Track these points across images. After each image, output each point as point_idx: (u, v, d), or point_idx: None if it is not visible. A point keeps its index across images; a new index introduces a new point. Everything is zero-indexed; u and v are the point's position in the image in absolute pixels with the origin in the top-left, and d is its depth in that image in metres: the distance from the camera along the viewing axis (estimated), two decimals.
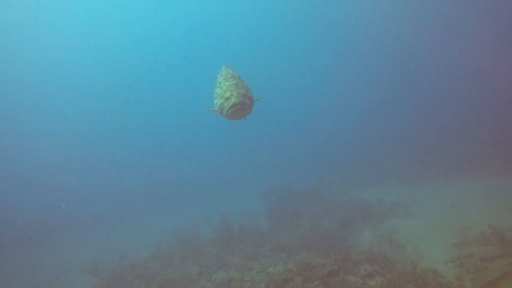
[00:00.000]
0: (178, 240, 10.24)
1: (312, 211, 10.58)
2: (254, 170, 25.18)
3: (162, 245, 10.38)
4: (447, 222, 7.74)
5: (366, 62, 31.10)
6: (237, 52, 37.22)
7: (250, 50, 35.37)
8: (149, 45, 37.83)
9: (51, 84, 32.68)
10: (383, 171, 14.42)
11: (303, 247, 7.55)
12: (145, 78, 39.38)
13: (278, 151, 29.34)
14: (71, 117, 33.27)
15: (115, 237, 14.40)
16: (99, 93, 36.40)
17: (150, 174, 27.73)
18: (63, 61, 33.01)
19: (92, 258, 10.93)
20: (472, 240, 6.49)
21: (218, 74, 4.06)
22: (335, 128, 28.01)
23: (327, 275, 6.19)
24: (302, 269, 6.37)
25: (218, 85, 3.89)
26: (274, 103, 32.81)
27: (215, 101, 3.93)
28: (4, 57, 28.91)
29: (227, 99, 3.58)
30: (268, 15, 34.44)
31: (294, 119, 34.01)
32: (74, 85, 34.33)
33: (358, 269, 6.28)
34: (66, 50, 32.87)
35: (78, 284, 9.61)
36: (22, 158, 28.44)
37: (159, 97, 39.71)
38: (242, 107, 3.55)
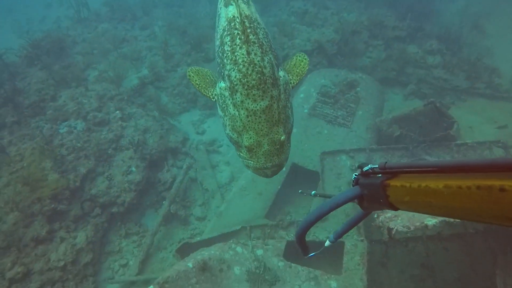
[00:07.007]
0: None
1: None
2: None
3: None
4: None
5: None
6: None
7: None
8: None
9: None
10: None
11: None
12: None
13: None
14: None
15: None
16: None
17: None
18: None
19: None
20: None
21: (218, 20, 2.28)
22: None
23: (393, 38, 6.61)
24: (372, 25, 6.69)
25: (226, 78, 1.92)
26: None
27: (222, 118, 2.03)
28: None
29: (249, 150, 1.82)
30: None
31: None
32: None
33: (424, 41, 6.55)
34: None
35: None
36: None
37: None
38: (275, 172, 1.88)
